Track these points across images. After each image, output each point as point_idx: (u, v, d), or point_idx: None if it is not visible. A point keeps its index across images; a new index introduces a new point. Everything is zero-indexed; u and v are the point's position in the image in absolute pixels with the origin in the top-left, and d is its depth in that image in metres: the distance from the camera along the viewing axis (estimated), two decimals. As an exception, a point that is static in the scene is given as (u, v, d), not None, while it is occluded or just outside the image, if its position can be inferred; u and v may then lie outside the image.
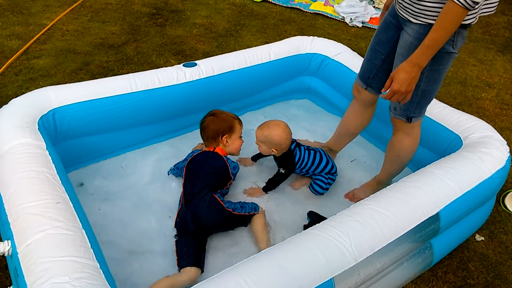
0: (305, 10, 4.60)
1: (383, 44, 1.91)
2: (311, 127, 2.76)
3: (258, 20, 4.30)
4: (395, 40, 1.84)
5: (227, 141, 2.15)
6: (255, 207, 2.01)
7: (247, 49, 2.68)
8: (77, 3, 4.19)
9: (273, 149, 2.14)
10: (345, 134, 2.32)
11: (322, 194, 2.25)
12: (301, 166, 2.20)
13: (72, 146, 2.17)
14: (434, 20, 1.54)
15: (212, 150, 2.14)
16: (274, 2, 4.71)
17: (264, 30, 4.10)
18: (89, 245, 1.40)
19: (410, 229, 1.62)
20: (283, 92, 2.93)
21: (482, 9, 1.59)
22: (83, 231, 1.45)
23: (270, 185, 2.21)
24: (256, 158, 2.42)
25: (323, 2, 4.72)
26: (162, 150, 2.44)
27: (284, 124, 2.15)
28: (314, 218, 2.06)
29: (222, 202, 1.94)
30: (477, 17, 1.58)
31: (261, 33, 4.04)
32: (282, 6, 4.67)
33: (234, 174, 2.12)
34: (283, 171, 2.17)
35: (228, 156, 2.19)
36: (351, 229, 1.51)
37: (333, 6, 4.64)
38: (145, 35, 3.78)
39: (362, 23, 4.39)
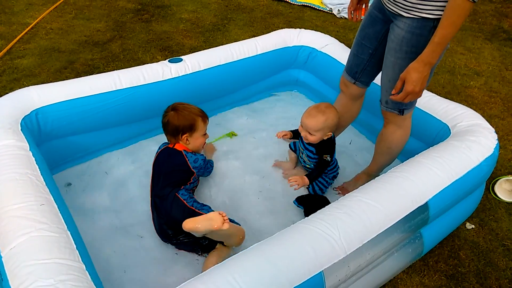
0: (293, 3, 4.56)
1: (370, 39, 1.89)
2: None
3: (245, 13, 4.26)
4: (383, 34, 1.83)
5: (187, 140, 2.01)
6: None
7: (234, 43, 2.65)
8: (61, 1, 4.12)
9: (329, 133, 2.08)
10: (337, 127, 2.31)
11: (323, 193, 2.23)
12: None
13: (57, 146, 2.13)
14: (428, 13, 1.54)
15: (172, 146, 2.04)
16: (261, -5, 4.66)
17: (251, 24, 4.06)
18: (75, 246, 1.38)
19: (399, 220, 1.61)
20: (272, 85, 2.91)
21: None
22: (68, 232, 1.42)
23: (316, 176, 2.12)
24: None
25: (311, -6, 4.68)
26: (149, 147, 2.41)
27: (329, 104, 2.09)
28: (306, 203, 2.07)
29: (184, 201, 1.86)
30: None
31: (249, 27, 4.00)
32: (269, -1, 4.63)
33: (196, 167, 2.00)
34: (329, 158, 2.10)
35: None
36: (340, 222, 1.50)
37: (320, -2, 4.61)
38: (130, 31, 3.73)
39: (350, 14, 4.36)
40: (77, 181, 2.17)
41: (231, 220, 1.88)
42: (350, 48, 2.62)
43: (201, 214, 1.82)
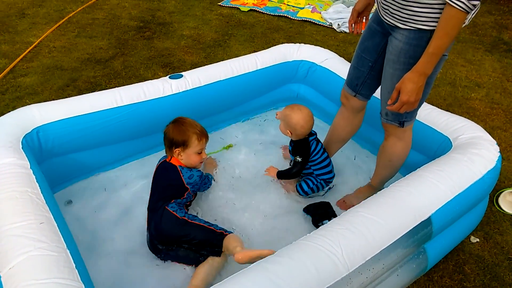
0: (293, 18, 4.61)
1: (369, 51, 1.90)
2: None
3: (246, 29, 4.30)
4: (382, 47, 1.84)
5: (180, 154, 2.01)
6: (225, 230, 1.84)
7: (234, 59, 2.67)
8: (64, 20, 4.18)
9: (288, 131, 2.14)
10: (336, 140, 2.31)
11: (307, 195, 2.24)
12: (310, 157, 2.19)
13: (59, 164, 2.14)
14: (424, 25, 1.55)
15: (169, 159, 2.05)
16: (261, 11, 4.72)
17: (252, 39, 4.10)
18: (74, 265, 1.37)
19: (402, 235, 1.59)
20: (272, 100, 2.92)
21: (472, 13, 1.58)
22: (68, 251, 1.41)
23: (285, 174, 2.20)
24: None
25: (311, 9, 4.73)
26: (150, 164, 2.39)
27: (307, 112, 2.13)
28: (314, 211, 2.10)
29: (174, 213, 1.87)
30: (470, 18, 1.58)
31: (249, 42, 4.03)
32: (270, 14, 4.68)
33: (191, 183, 1.99)
34: (299, 159, 2.14)
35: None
36: (342, 238, 1.48)
37: (320, 13, 4.66)
38: (132, 48, 3.77)
39: (350, 28, 4.40)
40: (78, 199, 2.16)
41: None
42: (350, 62, 2.65)
43: (195, 223, 1.84)
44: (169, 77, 2.44)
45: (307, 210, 2.14)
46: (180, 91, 2.38)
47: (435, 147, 2.23)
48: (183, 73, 2.48)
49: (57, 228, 1.49)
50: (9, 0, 4.55)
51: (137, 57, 3.62)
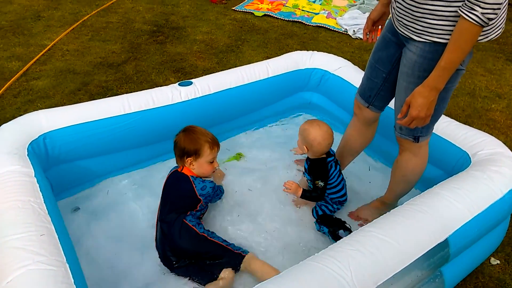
0: (307, 24, 4.54)
1: (383, 62, 1.83)
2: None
3: (259, 35, 4.25)
4: (396, 58, 1.76)
5: (191, 164, 1.96)
6: (242, 250, 1.84)
7: (245, 66, 2.62)
8: (78, 23, 4.19)
9: (305, 147, 2.05)
10: (348, 153, 2.23)
11: None
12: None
13: (65, 171, 2.11)
14: (439, 37, 1.47)
15: (180, 169, 2.00)
16: (275, 16, 4.66)
17: (265, 45, 4.04)
18: (72, 281, 1.32)
19: (417, 258, 1.51)
20: (284, 108, 2.85)
21: (490, 31, 1.50)
22: (67, 265, 1.36)
23: (308, 197, 2.08)
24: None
25: (326, 15, 4.66)
26: (158, 172, 2.36)
27: (326, 128, 2.03)
28: (329, 222, 2.03)
29: (194, 227, 1.83)
30: (489, 36, 1.50)
31: (262, 48, 3.98)
32: (284, 20, 4.62)
33: (204, 195, 1.94)
34: (321, 184, 2.03)
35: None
36: (352, 260, 1.40)
37: (335, 19, 4.58)
38: (145, 53, 3.75)
39: (366, 35, 4.31)
40: (85, 206, 2.13)
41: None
42: (364, 70, 2.58)
43: (214, 242, 1.80)
44: (179, 84, 2.40)
45: (321, 221, 2.06)
46: (189, 98, 2.34)
47: (453, 162, 2.13)
48: (193, 80, 2.44)
49: (58, 240, 1.45)
50: (25, 2, 4.58)
51: (149, 62, 3.60)
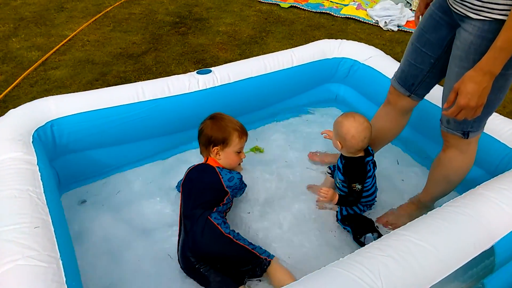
0: (336, 15, 4.33)
1: (432, 46, 1.60)
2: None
3: (284, 26, 4.07)
4: (448, 41, 1.55)
5: (218, 154, 1.83)
6: (268, 254, 1.65)
7: (267, 55, 2.44)
8: (101, 14, 4.12)
9: (338, 141, 1.84)
10: (379, 143, 2.02)
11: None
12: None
13: (73, 161, 1.99)
14: (501, 14, 1.25)
15: (205, 161, 1.87)
16: (302, 7, 4.47)
17: (290, 37, 3.86)
18: (64, 279, 1.19)
19: (458, 268, 1.30)
20: (308, 101, 2.65)
21: None
22: (60, 262, 1.23)
23: (345, 202, 1.87)
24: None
25: (355, 6, 4.43)
26: (174, 165, 2.21)
27: (362, 121, 1.80)
28: (355, 222, 1.84)
29: (219, 226, 1.64)
30: None
31: (288, 40, 3.80)
32: (311, 11, 4.42)
33: (231, 186, 1.78)
34: (358, 187, 1.81)
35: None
36: (384, 268, 1.21)
37: (366, 10, 4.35)
38: (166, 44, 3.63)
39: (398, 26, 4.06)
40: (93, 199, 2.00)
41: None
42: (397, 61, 2.35)
43: (240, 245, 1.61)
44: (197, 72, 2.25)
45: (345, 221, 1.87)
46: (208, 87, 2.19)
47: (496, 161, 1.91)
48: (212, 68, 2.29)
49: (54, 234, 1.32)
50: (50, -6, 4.57)
51: (170, 53, 3.48)
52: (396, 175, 2.20)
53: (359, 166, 1.84)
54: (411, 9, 4.40)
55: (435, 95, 1.97)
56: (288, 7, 4.48)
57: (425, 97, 2.01)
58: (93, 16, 4.08)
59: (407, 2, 4.47)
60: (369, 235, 1.77)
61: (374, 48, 2.60)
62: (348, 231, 1.86)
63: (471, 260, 1.33)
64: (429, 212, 1.47)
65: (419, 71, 1.68)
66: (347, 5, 4.50)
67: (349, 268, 1.21)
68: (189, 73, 2.24)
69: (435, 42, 1.58)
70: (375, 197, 1.96)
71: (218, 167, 1.82)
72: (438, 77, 1.68)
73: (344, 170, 1.88)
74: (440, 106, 2.09)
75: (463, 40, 1.38)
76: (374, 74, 2.40)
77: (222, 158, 1.84)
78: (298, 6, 4.49)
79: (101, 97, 2.00)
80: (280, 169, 2.20)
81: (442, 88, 2.19)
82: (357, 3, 4.50)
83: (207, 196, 1.74)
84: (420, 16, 1.74)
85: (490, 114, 1.52)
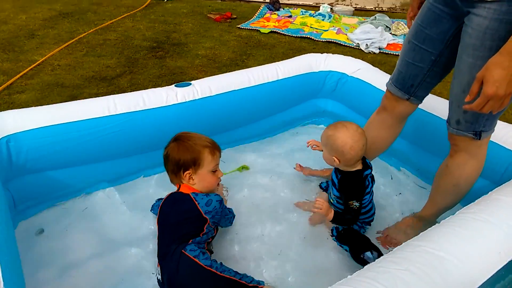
0: (317, 39, 4.28)
1: (433, 41, 1.48)
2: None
3: (265, 49, 3.99)
4: (451, 34, 1.42)
5: (191, 178, 1.56)
6: (257, 281, 1.44)
7: (251, 68, 2.31)
8: (74, 40, 3.96)
9: (335, 157, 1.63)
10: (373, 153, 1.87)
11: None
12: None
13: (32, 183, 1.74)
14: None
15: (177, 189, 1.60)
16: (283, 32, 4.42)
17: (272, 59, 3.75)
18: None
19: (485, 281, 1.11)
20: (295, 117, 2.50)
21: None
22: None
23: (341, 220, 1.66)
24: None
25: (335, 31, 4.41)
26: (147, 187, 1.98)
27: (355, 127, 1.63)
28: (352, 240, 1.63)
29: (196, 259, 1.39)
30: None
31: (269, 62, 3.66)
32: (292, 36, 4.37)
33: (210, 211, 1.50)
34: (356, 205, 1.62)
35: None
36: (402, 283, 1.01)
37: (346, 34, 4.33)
38: (142, 67, 3.47)
39: (379, 49, 4.03)
40: (53, 227, 1.72)
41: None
42: (387, 73, 2.24)
43: (225, 277, 1.37)
44: (175, 86, 2.08)
45: (342, 239, 1.67)
46: (187, 100, 2.01)
47: (501, 169, 1.76)
48: (192, 82, 2.12)
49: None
50: (20, 22, 4.40)
51: (146, 75, 3.31)
52: (391, 189, 2.03)
53: (356, 181, 1.66)
54: (391, 33, 4.40)
55: (429, 104, 1.86)
56: (268, 33, 4.43)
57: (419, 106, 1.91)
58: (65, 43, 3.91)
59: (386, 26, 4.48)
60: (367, 253, 1.56)
61: (362, 61, 2.50)
62: (346, 250, 1.65)
63: (497, 271, 1.14)
64: (441, 221, 1.29)
65: (419, 70, 1.55)
66: (327, 30, 4.48)
67: (361, 286, 1.00)
68: (166, 87, 2.07)
69: (436, 37, 1.46)
70: (374, 213, 1.77)
71: (193, 192, 1.55)
72: (439, 76, 1.55)
73: (340, 185, 1.69)
74: (436, 114, 2.00)
75: (476, 26, 1.24)
76: (364, 86, 2.28)
77: (196, 182, 1.57)
78: (278, 31, 4.45)
79: (66, 110, 1.80)
80: (266, 187, 2.01)
81: (435, 96, 2.12)
82: (336, 28, 4.48)
83: (183, 229, 1.48)
84: (412, 18, 1.62)
85: (504, 110, 1.39)
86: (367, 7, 5.69)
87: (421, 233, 1.23)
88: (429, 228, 1.26)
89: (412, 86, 1.59)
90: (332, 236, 1.71)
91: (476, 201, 1.40)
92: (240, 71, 2.28)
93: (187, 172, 1.55)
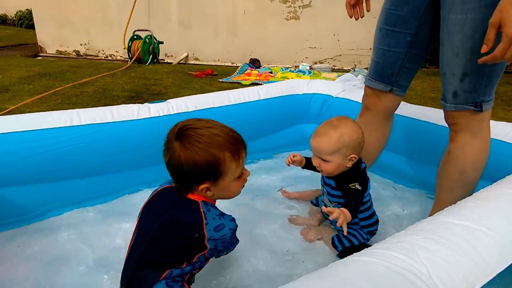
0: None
1: (406, 21, 1.40)
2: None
3: (247, 97, 3.93)
4: (425, 8, 1.36)
5: (208, 191, 1.13)
6: None
7: (232, 90, 2.19)
8: (49, 92, 3.84)
9: (352, 156, 1.41)
10: (370, 157, 1.68)
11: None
12: None
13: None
14: None
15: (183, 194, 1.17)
16: (264, 83, 4.42)
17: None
18: None
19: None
20: (280, 144, 2.31)
21: None
22: None
23: (351, 209, 1.32)
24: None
25: (316, 81, 4.44)
26: (115, 210, 1.71)
27: (347, 117, 1.47)
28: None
29: None
30: None
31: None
32: (273, 87, 4.37)
33: (215, 239, 1.09)
34: (359, 188, 1.39)
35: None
36: (423, 252, 0.78)
37: (327, 84, 4.35)
38: (119, 112, 3.33)
39: (361, 94, 4.02)
40: (3, 258, 1.42)
41: None
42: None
43: None
44: (149, 103, 1.93)
45: (348, 255, 1.39)
46: (161, 115, 1.84)
47: (502, 166, 1.59)
48: (168, 100, 1.99)
49: None
50: (-5, 79, 4.31)
51: (123, 119, 3.16)
52: (392, 202, 1.82)
53: (356, 170, 1.46)
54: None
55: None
56: (250, 84, 4.42)
57: (411, 116, 1.81)
58: (40, 94, 3.79)
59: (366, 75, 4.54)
60: None
61: (345, 84, 2.41)
62: None
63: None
64: (465, 198, 1.08)
65: (396, 56, 1.45)
66: (308, 81, 4.51)
67: (376, 255, 0.77)
68: (139, 104, 1.91)
69: (409, 16, 1.39)
70: (377, 221, 1.54)
71: (203, 202, 1.13)
72: (418, 59, 1.46)
73: (338, 182, 1.47)
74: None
75: None
76: (352, 105, 2.15)
77: (215, 193, 1.15)
78: (260, 83, 4.45)
79: (21, 119, 1.60)
80: (248, 208, 1.77)
81: (411, 105, 2.00)
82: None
83: (168, 249, 1.09)
84: (353, 6, 1.45)
85: (499, 77, 1.26)
86: (345, 68, 5.84)
87: (444, 209, 1.02)
88: (449, 207, 1.04)
89: (392, 75, 1.48)
90: (336, 248, 1.47)
91: (493, 184, 1.21)
92: (220, 92, 2.16)
93: (203, 186, 1.11)
